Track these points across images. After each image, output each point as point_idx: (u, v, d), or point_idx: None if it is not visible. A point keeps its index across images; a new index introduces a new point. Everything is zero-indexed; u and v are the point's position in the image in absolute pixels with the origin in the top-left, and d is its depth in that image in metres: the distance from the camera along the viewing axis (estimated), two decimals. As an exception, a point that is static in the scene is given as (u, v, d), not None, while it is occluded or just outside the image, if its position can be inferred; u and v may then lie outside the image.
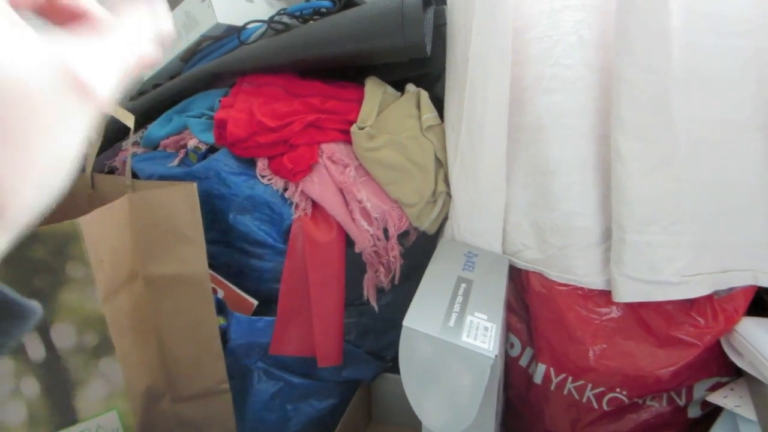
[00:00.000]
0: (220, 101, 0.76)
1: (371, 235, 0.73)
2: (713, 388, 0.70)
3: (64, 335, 0.58)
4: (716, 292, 0.67)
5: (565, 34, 0.67)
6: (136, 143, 0.85)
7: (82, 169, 0.74)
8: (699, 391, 0.71)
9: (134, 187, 0.68)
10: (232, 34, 0.82)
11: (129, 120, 0.68)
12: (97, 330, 0.59)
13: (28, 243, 0.54)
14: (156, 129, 0.80)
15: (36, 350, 0.57)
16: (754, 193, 0.66)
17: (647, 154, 0.63)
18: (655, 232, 0.64)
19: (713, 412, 0.69)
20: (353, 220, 0.73)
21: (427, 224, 0.76)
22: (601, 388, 0.70)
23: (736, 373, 0.70)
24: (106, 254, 0.59)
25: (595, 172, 0.68)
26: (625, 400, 0.70)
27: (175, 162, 0.76)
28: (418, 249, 0.80)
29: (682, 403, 0.71)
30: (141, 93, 0.91)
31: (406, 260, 0.77)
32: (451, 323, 0.56)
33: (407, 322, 0.55)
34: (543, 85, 0.69)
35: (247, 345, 0.73)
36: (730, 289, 0.68)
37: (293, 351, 0.75)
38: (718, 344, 0.68)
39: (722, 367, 0.69)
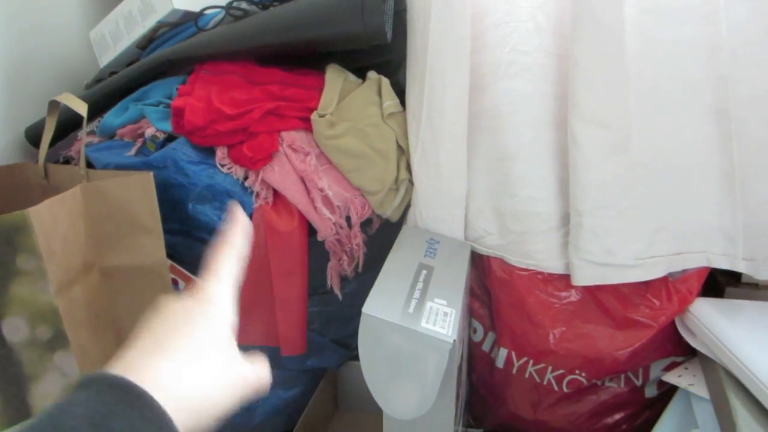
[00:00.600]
0: (177, 89, 0.75)
1: (333, 224, 0.73)
2: (669, 368, 0.72)
3: (16, 329, 0.56)
4: (671, 274, 0.69)
5: (521, 21, 0.68)
6: (92, 132, 0.83)
7: (36, 159, 0.72)
8: (655, 371, 0.73)
9: (89, 177, 0.66)
10: (190, 20, 0.81)
11: (82, 109, 0.67)
12: (50, 323, 0.58)
13: (-26, 235, 0.53)
14: (112, 118, 0.78)
15: (-14, 344, 0.56)
16: (707, 177, 0.67)
17: (603, 140, 0.64)
18: (611, 216, 0.65)
19: (669, 391, 0.71)
20: (315, 208, 0.72)
21: (389, 212, 0.76)
22: (561, 371, 0.71)
23: (690, 353, 0.72)
24: (58, 245, 0.58)
25: (554, 157, 0.69)
26: (584, 381, 0.72)
27: (132, 151, 0.74)
28: (382, 237, 0.80)
29: (639, 383, 0.73)
30: (97, 81, 0.89)
31: (370, 248, 0.77)
32: (411, 309, 0.56)
33: (366, 308, 0.55)
34: (501, 71, 0.69)
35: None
36: (684, 270, 0.69)
37: (256, 341, 0.74)
38: (673, 325, 0.70)
39: (677, 347, 0.71)
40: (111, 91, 0.82)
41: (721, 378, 0.61)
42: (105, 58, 0.93)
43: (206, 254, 0.40)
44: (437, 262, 0.66)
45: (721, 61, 0.65)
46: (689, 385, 0.66)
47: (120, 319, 0.66)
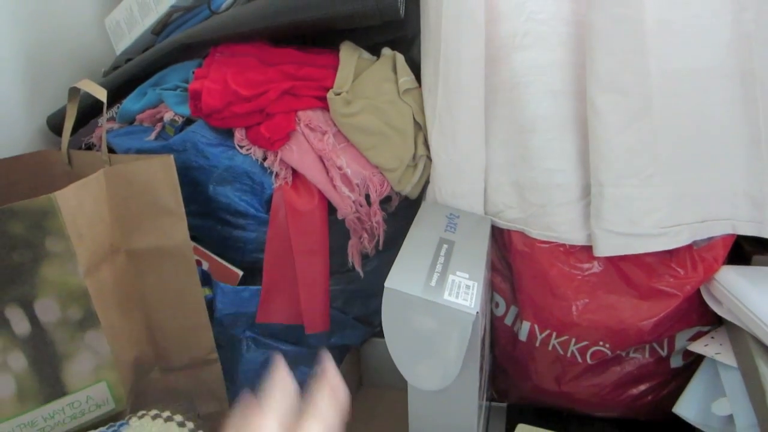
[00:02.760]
0: (193, 72, 0.75)
1: (353, 202, 0.73)
2: (694, 338, 0.71)
3: (48, 310, 0.58)
4: (695, 243, 0.68)
5: (537, -12, 0.67)
6: (111, 119, 0.84)
7: (58, 147, 0.73)
8: (680, 341, 0.72)
9: (111, 162, 0.67)
10: (203, 3, 0.81)
11: (102, 95, 0.68)
12: (80, 304, 0.59)
13: (4, 219, 0.54)
14: (131, 103, 0.79)
15: (20, 325, 0.57)
16: (730, 142, 0.66)
17: (623, 107, 0.63)
18: (633, 185, 0.64)
19: (695, 361, 0.71)
20: (334, 187, 0.73)
21: (408, 188, 0.76)
22: (585, 342, 0.71)
23: (716, 322, 0.71)
24: (85, 228, 0.59)
25: (573, 127, 0.68)
26: (609, 353, 0.71)
27: (152, 136, 0.75)
28: (402, 214, 0.80)
29: (664, 353, 0.73)
30: (114, 68, 0.90)
31: (390, 225, 0.77)
32: (433, 283, 0.57)
33: (389, 283, 0.56)
34: (517, 41, 0.68)
35: (233, 315, 0.73)
36: (709, 238, 0.68)
37: (280, 319, 0.75)
38: (698, 294, 0.69)
39: (703, 317, 0.71)
40: (128, 77, 0.83)
41: (750, 345, 0.60)
42: (121, 45, 0.94)
43: None
44: (458, 237, 0.66)
45: (745, 20, 0.63)
46: (716, 354, 0.65)
47: (147, 299, 0.67)
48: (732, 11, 0.64)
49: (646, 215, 0.65)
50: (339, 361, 0.86)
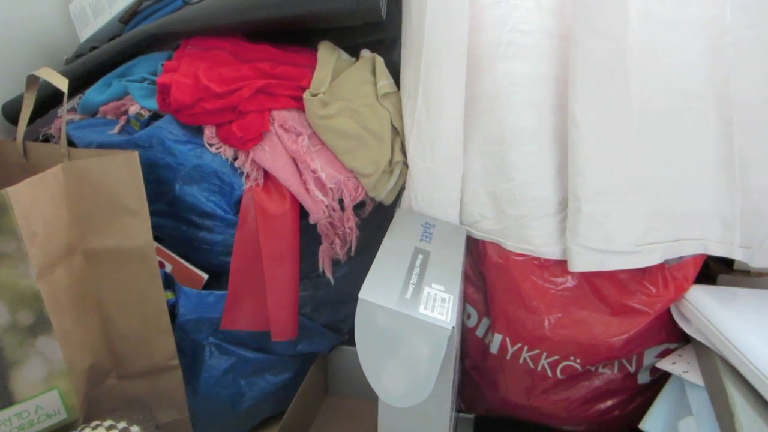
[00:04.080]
0: (163, 65, 0.72)
1: (326, 206, 0.71)
2: (662, 355, 0.72)
3: (-5, 314, 0.54)
4: (667, 261, 0.68)
5: (522, 0, 0.66)
6: (73, 110, 0.80)
7: (13, 138, 0.69)
8: (649, 357, 0.72)
9: (70, 156, 0.63)
10: (176, -8, 0.77)
11: (63, 84, 0.64)
12: (32, 307, 0.55)
13: (-51, 215, 0.50)
14: (94, 94, 0.75)
15: (-36, 330, 0.53)
16: (705, 163, 0.67)
17: (603, 124, 0.63)
18: (610, 202, 0.64)
19: (662, 377, 0.71)
20: (307, 190, 0.70)
21: (383, 194, 0.75)
22: (556, 357, 0.71)
23: (684, 340, 0.71)
24: (39, 227, 0.55)
25: (552, 141, 0.68)
26: (579, 368, 0.71)
27: (116, 129, 0.72)
28: (375, 220, 0.78)
29: (632, 369, 0.73)
30: (77, 56, 0.85)
31: (363, 231, 0.75)
32: (408, 295, 0.55)
33: (363, 294, 0.54)
34: (500, 51, 0.67)
35: (197, 320, 0.70)
36: (681, 257, 0.69)
37: (246, 325, 0.73)
38: (667, 312, 0.69)
39: (671, 334, 0.71)
40: (93, 66, 0.79)
41: (717, 365, 0.61)
42: (85, 33, 0.89)
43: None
44: (433, 247, 0.65)
45: (723, 44, 0.64)
46: (683, 372, 0.66)
47: (105, 302, 0.64)
48: (711, 35, 0.64)
49: (621, 232, 0.65)
50: (305, 369, 0.83)
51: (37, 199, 0.55)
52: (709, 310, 0.65)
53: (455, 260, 0.64)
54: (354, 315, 0.54)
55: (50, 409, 0.59)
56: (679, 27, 0.65)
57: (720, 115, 0.66)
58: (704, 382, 0.63)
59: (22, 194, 0.53)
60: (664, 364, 0.69)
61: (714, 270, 0.76)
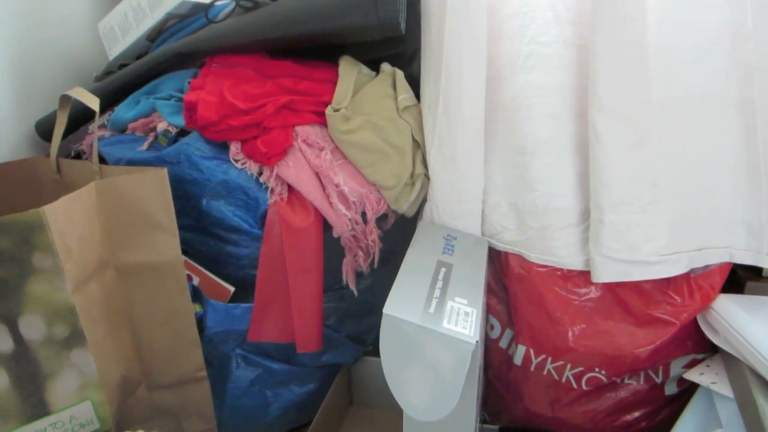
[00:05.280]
0: (189, 83, 0.74)
1: (349, 219, 0.72)
2: (690, 365, 0.71)
3: (32, 327, 0.56)
4: (692, 270, 0.67)
5: (540, 11, 0.67)
6: (102, 126, 0.82)
7: (46, 152, 0.71)
8: (676, 368, 0.72)
9: (102, 173, 0.66)
10: (199, 12, 0.79)
11: (94, 103, 0.66)
12: (67, 321, 0.57)
13: (-10, 234, 0.52)
14: (123, 111, 0.77)
15: (4, 342, 0.55)
16: (729, 171, 0.66)
17: (625, 133, 0.63)
18: (633, 212, 0.64)
19: (690, 388, 0.70)
20: (330, 204, 0.71)
21: (405, 207, 0.75)
22: (580, 368, 0.70)
23: (712, 350, 0.71)
24: (74, 243, 0.57)
25: (574, 151, 0.68)
26: (604, 379, 0.71)
27: (145, 146, 0.74)
28: (397, 232, 0.79)
29: (659, 380, 0.72)
30: (106, 73, 0.88)
31: (385, 243, 0.76)
32: (432, 309, 0.55)
33: (388, 309, 0.54)
34: (519, 63, 0.67)
35: (224, 332, 0.72)
36: (706, 266, 0.68)
37: (272, 337, 0.74)
38: (694, 322, 0.69)
39: (698, 344, 0.70)
40: (121, 84, 0.81)
41: (746, 376, 0.60)
42: (114, 51, 0.92)
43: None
44: (455, 260, 0.65)
45: (746, 50, 0.64)
46: (712, 383, 0.65)
47: (135, 315, 0.65)
48: (732, 41, 0.64)
49: (645, 242, 0.64)
50: (330, 380, 0.84)
51: (72, 216, 0.57)
52: (736, 319, 0.64)
53: (478, 273, 0.65)
54: (377, 326, 0.54)
55: (84, 419, 0.61)
56: (700, 34, 0.65)
57: (744, 122, 0.65)
58: (733, 394, 0.62)
59: (58, 212, 0.55)
60: (692, 375, 0.68)
61: (742, 277, 0.75)
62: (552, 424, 0.77)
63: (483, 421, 0.85)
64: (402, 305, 0.54)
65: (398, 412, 0.60)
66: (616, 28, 0.62)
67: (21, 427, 0.57)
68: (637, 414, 0.74)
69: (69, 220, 0.56)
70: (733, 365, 0.64)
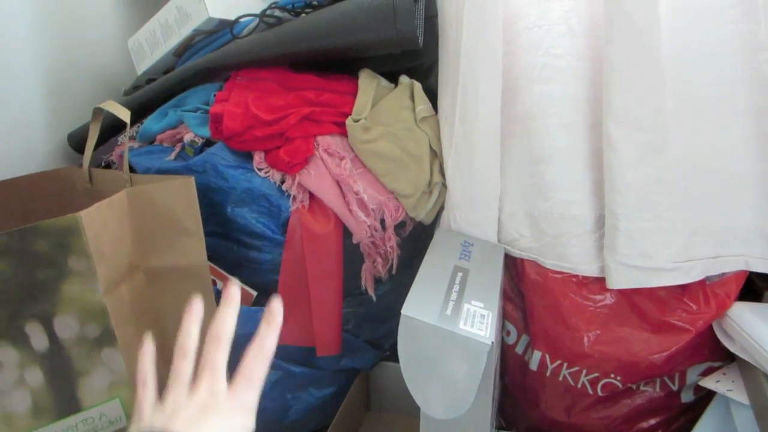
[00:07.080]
0: (215, 95, 0.77)
1: (368, 226, 0.74)
2: (706, 373, 0.71)
3: (66, 326, 0.59)
4: (708, 278, 0.68)
5: (554, 24, 0.68)
6: (132, 138, 0.86)
7: (78, 163, 0.74)
8: (692, 375, 0.72)
9: (132, 182, 0.69)
10: (225, 28, 0.83)
11: (125, 115, 0.69)
12: (99, 321, 0.60)
13: (30, 237, 0.55)
14: (152, 123, 0.81)
15: (39, 341, 0.58)
16: (744, 178, 0.67)
17: (639, 142, 0.64)
18: (648, 219, 0.65)
19: (706, 396, 0.70)
20: (350, 211, 0.73)
21: (423, 214, 0.77)
22: (596, 374, 0.71)
23: (728, 358, 0.71)
24: (106, 247, 0.60)
25: (588, 160, 0.69)
26: (619, 385, 0.71)
27: (172, 156, 0.77)
28: (415, 239, 0.81)
29: (675, 387, 0.73)
30: (135, 87, 0.92)
31: (403, 250, 0.78)
32: (449, 311, 0.57)
33: (406, 310, 0.56)
34: (534, 74, 0.69)
35: (247, 335, 0.74)
36: (722, 274, 0.69)
37: (293, 341, 0.76)
38: (710, 329, 0.69)
39: (714, 352, 0.71)
40: (150, 97, 0.84)
41: (763, 384, 0.60)
42: (142, 66, 0.95)
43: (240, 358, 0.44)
44: (472, 265, 0.67)
45: (759, 60, 0.64)
46: (728, 390, 0.65)
47: (162, 318, 0.68)
48: (747, 50, 0.65)
49: (660, 249, 0.65)
50: (348, 384, 0.86)
51: (106, 221, 0.60)
52: (753, 327, 0.64)
53: (494, 278, 0.66)
54: (395, 331, 0.56)
55: (113, 417, 0.63)
56: (715, 45, 0.66)
57: (759, 130, 0.66)
58: (750, 402, 0.63)
59: (92, 217, 0.57)
60: (708, 383, 0.68)
61: (760, 287, 0.75)
62: (568, 430, 0.77)
63: (500, 428, 0.86)
64: (420, 307, 0.56)
65: (415, 418, 0.61)
66: (630, 41, 0.63)
67: (54, 422, 0.60)
68: (653, 421, 0.74)
69: (102, 225, 0.59)
70: (750, 373, 0.64)
